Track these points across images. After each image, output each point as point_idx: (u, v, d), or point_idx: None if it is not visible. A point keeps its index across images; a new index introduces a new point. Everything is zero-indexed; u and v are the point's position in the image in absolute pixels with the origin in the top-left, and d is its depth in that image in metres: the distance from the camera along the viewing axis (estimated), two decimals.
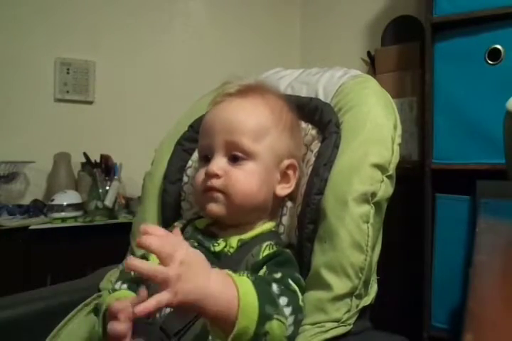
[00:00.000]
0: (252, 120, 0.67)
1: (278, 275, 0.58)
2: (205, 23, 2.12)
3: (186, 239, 0.65)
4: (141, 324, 0.59)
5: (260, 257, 0.62)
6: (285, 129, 0.69)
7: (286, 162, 0.69)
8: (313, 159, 0.72)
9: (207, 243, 0.66)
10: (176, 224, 0.75)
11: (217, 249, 0.65)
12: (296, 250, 0.67)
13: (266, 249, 0.63)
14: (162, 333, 0.57)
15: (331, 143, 0.69)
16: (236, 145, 0.65)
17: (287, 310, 0.54)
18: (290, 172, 0.70)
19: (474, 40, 1.32)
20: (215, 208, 0.65)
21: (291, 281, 0.58)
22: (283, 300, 0.54)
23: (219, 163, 0.65)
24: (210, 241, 0.66)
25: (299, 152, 0.74)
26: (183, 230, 0.71)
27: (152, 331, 0.57)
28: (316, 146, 0.73)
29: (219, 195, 0.65)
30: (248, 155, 0.65)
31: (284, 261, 0.62)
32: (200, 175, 0.67)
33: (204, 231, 0.69)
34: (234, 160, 0.65)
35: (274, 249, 0.63)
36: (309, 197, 0.67)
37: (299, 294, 0.58)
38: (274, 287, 0.55)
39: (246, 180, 0.65)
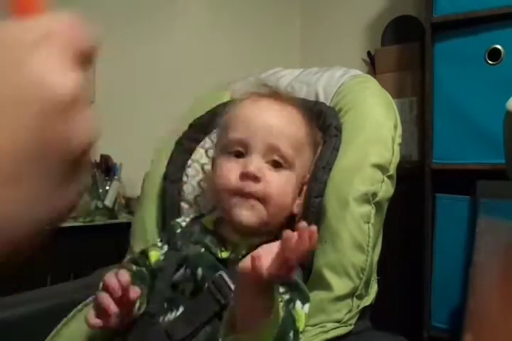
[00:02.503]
0: (294, 130, 0.64)
1: (287, 296, 0.55)
2: (205, 23, 2.11)
3: (192, 242, 0.64)
4: (143, 322, 0.59)
5: None
6: (312, 146, 0.68)
7: (306, 178, 0.68)
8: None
9: (214, 248, 0.62)
10: (178, 220, 0.72)
11: (224, 255, 0.62)
12: None
13: None
14: (166, 337, 0.56)
15: (331, 146, 0.70)
16: (278, 150, 0.61)
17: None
18: (305, 187, 0.68)
19: (474, 40, 1.32)
20: (248, 218, 0.60)
21: (297, 305, 0.56)
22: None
23: (258, 163, 0.60)
24: (217, 247, 0.63)
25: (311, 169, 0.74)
26: (187, 229, 0.69)
27: (154, 333, 0.57)
28: (319, 151, 0.73)
29: (256, 204, 0.60)
30: (287, 163, 0.62)
31: None
32: (231, 172, 0.61)
33: (213, 232, 0.65)
34: (273, 165, 0.62)
35: None
36: (309, 200, 0.67)
37: (298, 323, 0.55)
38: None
39: (284, 189, 0.62)
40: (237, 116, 0.65)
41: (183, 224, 0.71)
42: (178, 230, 0.69)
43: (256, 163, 0.60)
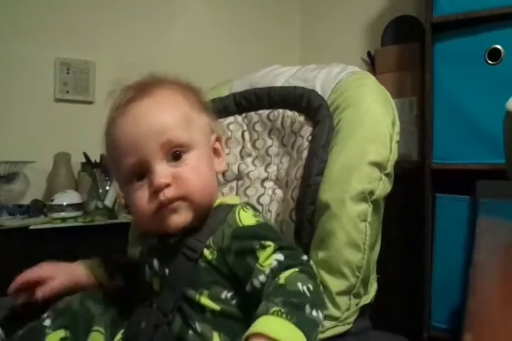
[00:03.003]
0: (174, 111, 0.62)
1: (297, 268, 0.52)
2: (205, 22, 2.11)
3: (149, 235, 0.65)
4: (142, 307, 0.61)
5: (240, 224, 0.58)
6: (201, 108, 0.66)
7: (213, 137, 0.67)
8: (306, 143, 0.72)
9: (165, 235, 0.60)
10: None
11: (177, 237, 0.60)
12: (295, 232, 0.68)
13: (240, 211, 0.60)
14: (158, 312, 0.58)
15: (326, 126, 0.70)
16: (173, 142, 0.59)
17: (322, 318, 0.50)
18: (218, 145, 0.68)
19: (474, 40, 1.32)
20: (179, 219, 0.58)
21: (310, 265, 0.55)
22: (316, 313, 0.48)
23: (162, 171, 0.58)
24: (166, 239, 0.61)
25: (220, 129, 0.73)
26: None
27: (149, 312, 0.59)
28: (306, 131, 0.73)
29: (179, 204, 0.58)
30: (187, 147, 0.60)
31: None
32: (143, 197, 0.59)
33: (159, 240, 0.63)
34: (175, 158, 0.60)
35: (254, 215, 0.60)
36: (310, 178, 0.67)
37: (316, 276, 0.54)
38: (307, 308, 0.48)
39: (198, 175, 0.60)
40: (118, 143, 0.60)
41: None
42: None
43: (159, 172, 0.58)
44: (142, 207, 0.59)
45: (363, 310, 0.64)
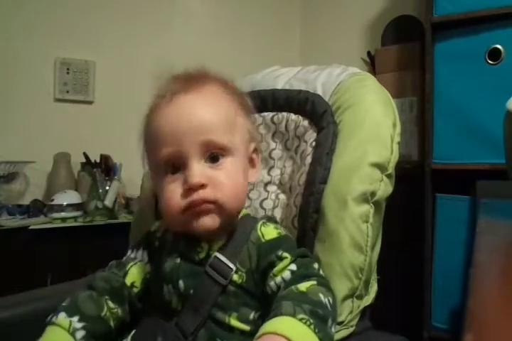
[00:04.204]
0: (219, 111, 0.60)
1: (314, 281, 0.52)
2: (205, 23, 2.11)
3: (168, 253, 0.62)
4: (157, 320, 0.59)
5: (263, 240, 0.58)
6: (243, 113, 0.64)
7: (252, 146, 0.65)
8: (309, 149, 0.71)
9: (190, 254, 0.60)
10: (152, 230, 0.68)
11: (202, 255, 0.59)
12: (298, 240, 0.67)
13: (262, 228, 0.60)
14: (177, 331, 0.56)
15: (330, 133, 0.69)
16: (214, 144, 0.57)
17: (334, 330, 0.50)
18: (255, 156, 0.66)
19: (474, 40, 1.32)
20: (209, 222, 0.57)
21: (324, 277, 0.56)
22: (334, 329, 0.49)
23: (200, 170, 0.56)
24: (193, 250, 0.60)
25: (257, 135, 0.72)
26: (162, 239, 0.65)
27: (167, 328, 0.57)
28: (310, 136, 0.73)
29: (210, 206, 0.56)
30: (226, 151, 0.59)
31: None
32: (175, 192, 0.57)
33: (185, 236, 0.61)
34: (212, 160, 0.58)
35: (275, 227, 0.60)
36: (314, 186, 0.67)
37: (332, 289, 0.55)
38: (329, 323, 0.48)
39: (233, 182, 0.58)
40: (159, 130, 0.59)
41: (158, 234, 0.67)
42: (156, 243, 0.66)
43: (196, 171, 0.56)
44: (173, 203, 0.57)
45: (364, 311, 0.64)
